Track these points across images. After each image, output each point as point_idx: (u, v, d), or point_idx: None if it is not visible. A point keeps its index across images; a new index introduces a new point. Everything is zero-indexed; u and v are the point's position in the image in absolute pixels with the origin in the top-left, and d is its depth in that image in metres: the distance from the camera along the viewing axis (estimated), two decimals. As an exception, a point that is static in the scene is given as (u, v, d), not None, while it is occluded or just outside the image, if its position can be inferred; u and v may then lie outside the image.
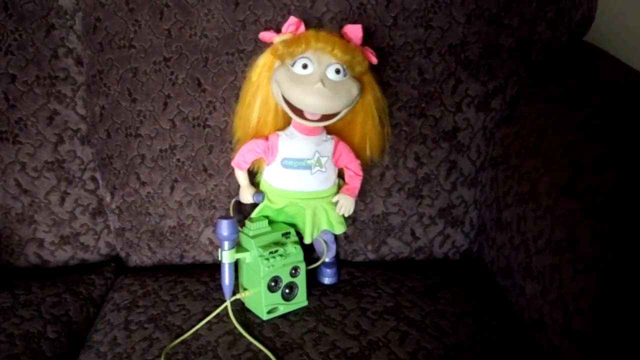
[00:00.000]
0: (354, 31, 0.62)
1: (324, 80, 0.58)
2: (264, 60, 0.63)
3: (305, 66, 0.59)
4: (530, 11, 0.67)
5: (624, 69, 0.65)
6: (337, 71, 0.59)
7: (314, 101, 0.58)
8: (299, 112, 0.60)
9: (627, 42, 0.88)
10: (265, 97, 0.63)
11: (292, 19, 0.62)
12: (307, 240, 0.66)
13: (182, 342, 0.61)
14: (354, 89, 0.60)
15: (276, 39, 0.62)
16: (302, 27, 0.62)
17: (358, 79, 0.61)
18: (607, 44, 0.74)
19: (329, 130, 0.65)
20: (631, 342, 0.43)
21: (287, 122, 0.65)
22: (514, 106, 0.70)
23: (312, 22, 0.64)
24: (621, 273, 0.46)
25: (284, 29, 0.62)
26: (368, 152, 0.67)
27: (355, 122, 0.65)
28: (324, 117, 0.60)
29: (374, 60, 0.63)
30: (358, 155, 0.67)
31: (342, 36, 0.62)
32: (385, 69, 0.68)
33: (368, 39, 0.66)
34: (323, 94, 0.57)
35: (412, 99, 0.69)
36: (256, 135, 0.65)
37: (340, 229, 0.67)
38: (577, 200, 0.53)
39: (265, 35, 0.63)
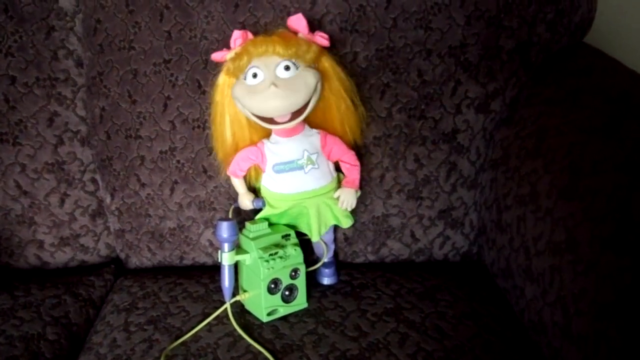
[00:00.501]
0: (297, 21, 0.62)
1: (275, 81, 0.58)
2: (221, 79, 0.63)
3: (255, 75, 0.59)
4: (529, 13, 0.67)
5: (624, 71, 0.65)
6: (287, 68, 0.59)
7: (273, 105, 0.58)
8: (269, 119, 0.60)
9: (627, 44, 0.88)
10: (233, 114, 0.64)
11: (237, 33, 0.62)
12: (315, 238, 0.66)
13: (182, 343, 0.60)
14: (310, 78, 0.59)
15: (227, 56, 0.62)
16: (250, 37, 0.62)
17: (316, 67, 0.61)
18: (607, 45, 0.74)
19: (312, 124, 0.65)
20: (631, 343, 0.43)
21: (264, 133, 0.65)
22: (514, 108, 0.70)
23: (312, 24, 0.64)
24: (621, 275, 0.46)
25: (231, 44, 0.62)
26: (350, 137, 0.67)
27: (331, 108, 0.64)
28: (294, 115, 0.60)
29: (325, 43, 0.62)
30: (345, 142, 0.66)
31: (290, 30, 0.62)
32: (385, 71, 0.68)
33: (369, 41, 0.67)
34: (279, 94, 0.58)
35: (412, 100, 0.69)
36: (237, 151, 0.65)
37: (347, 223, 0.67)
38: (577, 202, 0.53)
39: (217, 56, 0.63)
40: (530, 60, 0.70)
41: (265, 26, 0.67)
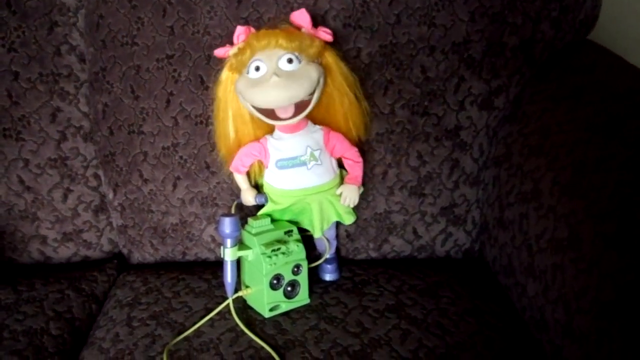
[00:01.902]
0: (300, 16, 0.62)
1: (277, 73, 0.58)
2: (225, 75, 0.63)
3: (257, 68, 0.59)
4: (534, 9, 0.67)
5: (628, 68, 0.65)
6: (290, 60, 0.59)
7: (274, 94, 0.58)
8: (272, 114, 0.60)
9: (631, 41, 0.87)
10: (236, 109, 0.64)
11: (240, 29, 0.62)
12: (317, 235, 0.66)
13: (184, 339, 0.61)
14: (313, 72, 0.59)
15: (230, 51, 0.62)
16: (253, 32, 0.62)
17: (319, 62, 0.61)
18: (611, 42, 0.73)
19: (315, 121, 0.65)
20: (633, 341, 0.43)
21: (267, 129, 0.65)
22: (517, 105, 0.69)
23: (315, 20, 0.64)
24: (623, 273, 0.46)
25: (234, 40, 0.62)
26: (354, 133, 0.66)
27: (334, 104, 0.64)
28: (297, 110, 0.60)
29: (329, 38, 0.62)
30: (348, 139, 0.66)
31: (294, 26, 0.62)
32: (388, 67, 0.68)
33: (372, 37, 0.66)
34: (281, 85, 0.57)
35: (415, 97, 0.69)
36: (240, 147, 0.65)
37: (349, 219, 0.67)
38: (580, 200, 0.53)
39: (219, 52, 0.63)
40: (534, 57, 0.69)
41: (268, 21, 0.66)
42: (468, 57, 0.68)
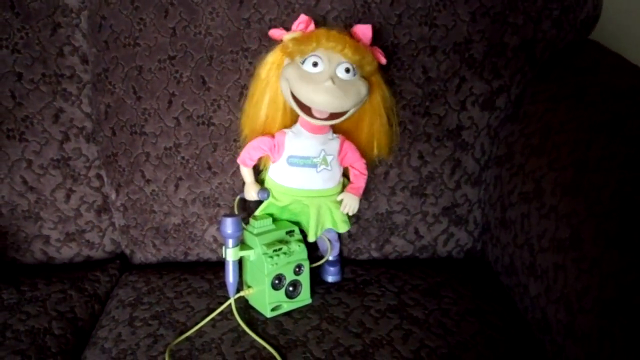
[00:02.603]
0: (364, 31, 0.62)
1: (333, 78, 0.58)
2: (273, 57, 0.63)
3: (315, 64, 0.59)
4: (535, 9, 0.67)
5: (630, 68, 0.65)
6: (347, 70, 0.59)
7: (323, 99, 0.58)
8: (307, 110, 0.60)
9: (632, 41, 0.87)
10: (274, 94, 0.63)
11: (303, 17, 0.62)
12: (311, 239, 0.66)
13: (186, 339, 0.61)
14: (362, 88, 0.60)
15: (286, 36, 0.62)
16: (312, 26, 0.62)
17: (367, 78, 0.61)
18: (613, 42, 0.73)
19: (335, 129, 0.65)
20: (635, 341, 0.43)
21: (294, 120, 0.65)
22: (519, 105, 0.69)
23: (316, 20, 0.64)
24: (625, 272, 0.46)
25: (294, 26, 0.62)
26: (376, 152, 0.67)
27: (363, 121, 0.65)
28: (332, 116, 0.60)
29: (383, 61, 0.63)
30: (364, 154, 0.67)
31: (352, 36, 0.62)
32: (389, 68, 0.68)
33: (373, 37, 0.66)
34: (332, 92, 0.58)
35: (416, 97, 0.69)
36: (263, 133, 0.65)
37: (343, 228, 0.67)
38: (582, 199, 0.53)
39: (275, 33, 0.63)
40: (536, 57, 0.69)
41: (270, 22, 0.67)
42: (469, 57, 0.68)
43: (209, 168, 0.71)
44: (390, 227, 0.73)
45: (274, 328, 0.62)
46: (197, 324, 0.62)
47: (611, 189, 0.50)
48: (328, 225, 0.67)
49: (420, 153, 0.71)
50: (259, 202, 0.67)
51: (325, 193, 0.65)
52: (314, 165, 0.64)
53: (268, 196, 0.65)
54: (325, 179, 0.65)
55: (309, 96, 0.59)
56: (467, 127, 0.70)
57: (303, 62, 0.59)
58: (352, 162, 0.66)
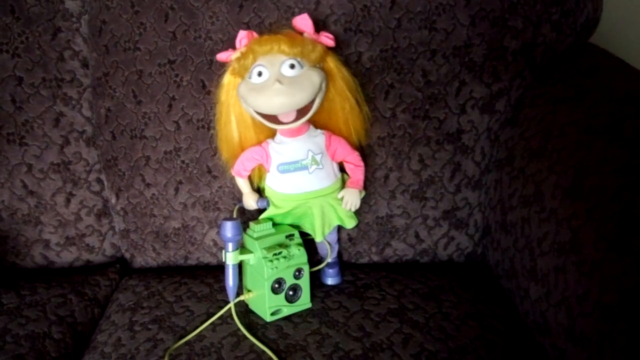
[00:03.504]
0: (302, 22, 0.62)
1: (280, 79, 0.58)
2: (227, 79, 0.63)
3: (260, 73, 0.59)
4: (534, 13, 0.67)
5: (629, 71, 0.65)
6: (292, 66, 0.59)
7: (277, 101, 0.58)
8: (274, 119, 0.60)
9: (632, 44, 0.87)
10: (239, 114, 0.64)
11: (242, 33, 0.62)
12: (319, 239, 0.66)
13: (186, 343, 0.61)
14: (315, 77, 0.59)
15: (233, 56, 0.62)
16: (255, 37, 0.62)
17: (320, 67, 0.61)
18: (613, 45, 0.73)
19: (317, 126, 0.65)
20: (635, 345, 0.43)
21: (269, 133, 0.65)
22: (519, 108, 0.69)
23: (316, 25, 0.64)
24: (625, 275, 0.45)
25: (237, 44, 0.62)
26: (355, 137, 0.67)
27: (335, 108, 0.65)
28: (300, 114, 0.60)
29: (331, 43, 0.62)
30: (349, 143, 0.66)
31: (296, 30, 0.62)
32: (389, 71, 0.68)
33: (373, 41, 0.67)
34: (284, 91, 0.58)
35: (416, 100, 0.69)
36: (243, 150, 0.65)
37: (351, 223, 0.67)
38: (582, 203, 0.52)
39: (222, 56, 0.64)
40: (536, 60, 0.69)
41: (270, 26, 0.67)
42: (469, 60, 0.68)
43: (209, 172, 0.71)
44: (390, 230, 0.73)
45: (274, 332, 0.61)
46: (196, 328, 0.62)
47: (611, 192, 0.50)
48: (335, 222, 0.67)
49: (421, 156, 0.71)
50: (259, 211, 0.67)
51: (324, 192, 0.65)
52: (305, 167, 0.64)
53: (268, 204, 0.65)
54: (321, 178, 0.65)
55: (265, 105, 0.59)
56: (467, 130, 0.70)
57: (250, 76, 0.60)
58: (345, 155, 0.66)
